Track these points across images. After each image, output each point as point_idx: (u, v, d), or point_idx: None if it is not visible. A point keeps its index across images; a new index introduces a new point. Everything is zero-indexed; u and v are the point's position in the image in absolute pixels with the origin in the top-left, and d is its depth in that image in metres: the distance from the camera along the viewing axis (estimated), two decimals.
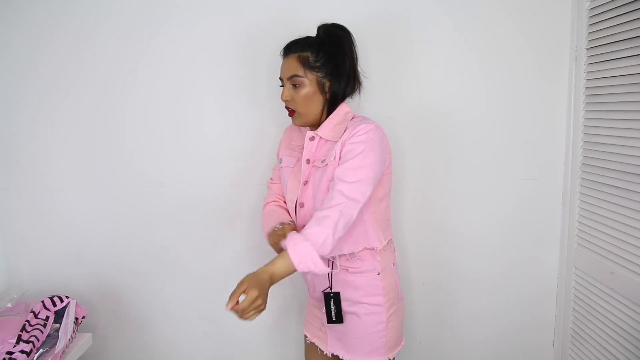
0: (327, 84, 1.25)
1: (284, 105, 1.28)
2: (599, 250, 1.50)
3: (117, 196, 1.71)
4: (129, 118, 1.67)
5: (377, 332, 1.28)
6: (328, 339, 1.36)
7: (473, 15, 1.58)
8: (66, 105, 1.66)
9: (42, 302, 1.45)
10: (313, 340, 1.41)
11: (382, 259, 1.28)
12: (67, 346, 1.42)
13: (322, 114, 1.27)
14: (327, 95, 1.26)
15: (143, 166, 1.69)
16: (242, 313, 1.10)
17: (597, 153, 1.50)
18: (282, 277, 1.12)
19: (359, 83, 1.30)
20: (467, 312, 1.77)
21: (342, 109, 1.28)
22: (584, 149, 1.56)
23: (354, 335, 1.29)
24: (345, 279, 1.28)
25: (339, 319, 1.29)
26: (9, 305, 1.49)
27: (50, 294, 1.52)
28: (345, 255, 1.27)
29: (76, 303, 1.51)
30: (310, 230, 1.10)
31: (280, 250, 1.18)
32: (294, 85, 1.24)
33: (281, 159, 1.39)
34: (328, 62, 1.23)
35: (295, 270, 1.11)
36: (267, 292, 1.11)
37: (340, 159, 1.21)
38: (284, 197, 1.41)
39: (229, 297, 1.07)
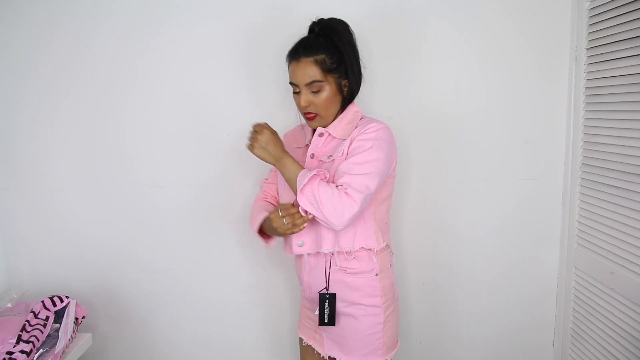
0: (344, 82, 1.25)
1: (302, 110, 1.26)
2: (599, 250, 1.50)
3: (117, 196, 1.71)
4: (129, 118, 1.67)
5: (374, 334, 1.28)
6: (324, 342, 1.35)
7: (473, 15, 1.58)
8: (66, 105, 1.66)
9: (42, 302, 1.45)
10: (310, 343, 1.41)
11: (379, 260, 1.28)
12: (67, 346, 1.42)
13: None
14: (345, 93, 1.26)
15: (143, 166, 1.69)
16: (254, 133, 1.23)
17: (597, 153, 1.50)
18: (282, 169, 1.22)
19: (362, 76, 1.30)
20: (467, 312, 1.77)
21: (352, 108, 1.29)
22: (584, 149, 1.56)
23: (352, 337, 1.29)
24: (343, 280, 1.27)
25: (331, 322, 1.28)
26: (9, 305, 1.49)
27: (50, 294, 1.52)
28: (343, 254, 1.26)
29: (76, 303, 1.51)
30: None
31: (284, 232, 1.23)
32: (314, 91, 1.22)
33: None
34: (342, 61, 1.22)
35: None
36: (267, 143, 1.22)
37: (347, 154, 1.21)
38: (274, 198, 1.42)
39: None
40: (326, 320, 1.28)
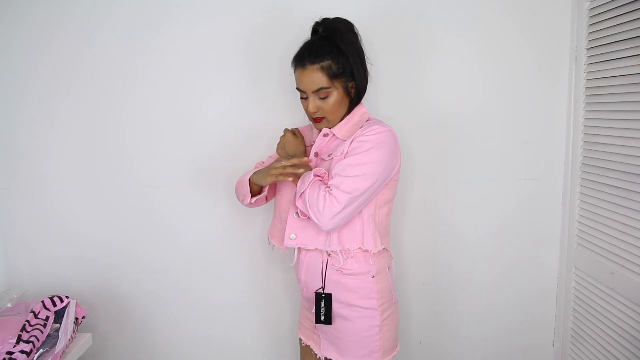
0: (351, 85, 1.25)
1: (311, 115, 1.26)
2: (599, 250, 1.50)
3: (117, 196, 1.71)
4: (129, 118, 1.67)
5: (370, 336, 1.27)
6: (321, 342, 1.35)
7: (473, 16, 1.58)
8: (66, 105, 1.66)
9: (42, 302, 1.45)
10: (308, 343, 1.41)
11: (375, 262, 1.27)
12: (67, 346, 1.42)
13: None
14: (352, 94, 1.27)
15: (143, 166, 1.69)
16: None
17: (597, 153, 1.50)
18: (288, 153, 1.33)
19: (368, 75, 1.30)
20: (467, 312, 1.77)
21: (360, 110, 1.29)
22: (584, 149, 1.56)
23: (347, 338, 1.28)
24: (339, 280, 1.27)
25: (328, 320, 1.28)
26: (9, 305, 1.49)
27: (50, 294, 1.52)
28: (338, 253, 1.26)
29: (76, 303, 1.51)
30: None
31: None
32: (321, 97, 1.22)
33: None
34: (347, 64, 1.21)
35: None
36: (286, 145, 1.36)
37: (346, 154, 1.22)
38: None
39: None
40: (322, 318, 1.28)
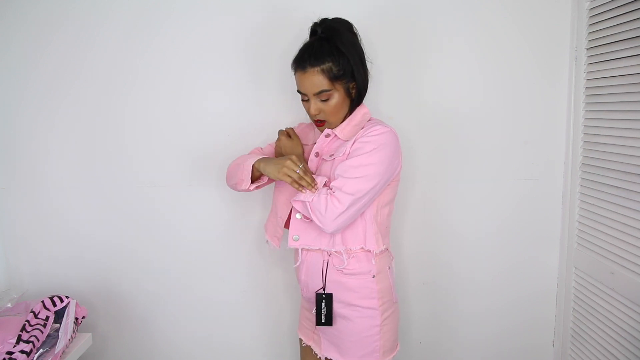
0: (352, 85, 1.25)
1: (313, 117, 1.27)
2: (599, 250, 1.50)
3: (117, 196, 1.71)
4: (129, 118, 1.67)
5: (371, 336, 1.27)
6: (321, 343, 1.35)
7: (473, 16, 1.58)
8: (66, 105, 1.66)
9: (42, 302, 1.45)
10: (309, 344, 1.41)
11: (377, 262, 1.27)
12: (67, 346, 1.42)
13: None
14: (353, 95, 1.27)
15: (143, 166, 1.69)
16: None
17: (597, 153, 1.50)
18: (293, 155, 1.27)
19: (369, 74, 1.30)
20: (467, 312, 1.77)
21: (361, 110, 1.29)
22: (584, 149, 1.56)
23: (348, 338, 1.28)
24: (340, 280, 1.27)
25: (329, 322, 1.28)
26: (9, 305, 1.49)
27: (50, 294, 1.52)
28: (340, 253, 1.26)
29: (76, 303, 1.51)
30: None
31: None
32: (323, 99, 1.22)
33: None
34: (348, 65, 1.21)
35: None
36: (282, 147, 1.37)
37: (349, 155, 1.22)
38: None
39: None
40: (323, 320, 1.28)
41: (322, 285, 1.29)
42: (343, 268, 1.26)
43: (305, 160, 1.31)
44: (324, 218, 1.17)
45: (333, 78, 1.20)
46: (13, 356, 1.27)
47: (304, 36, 1.30)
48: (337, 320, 1.29)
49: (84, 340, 1.51)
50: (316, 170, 1.29)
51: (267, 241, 1.40)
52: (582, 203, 1.59)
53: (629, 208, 1.37)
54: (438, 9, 1.58)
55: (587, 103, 1.54)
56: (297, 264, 1.33)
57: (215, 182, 1.69)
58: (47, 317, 1.43)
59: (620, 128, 1.39)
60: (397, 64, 1.61)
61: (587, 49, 1.52)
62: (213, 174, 1.69)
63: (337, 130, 1.27)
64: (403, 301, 1.71)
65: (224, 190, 1.69)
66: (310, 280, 1.31)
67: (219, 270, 1.75)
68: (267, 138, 1.64)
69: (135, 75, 1.64)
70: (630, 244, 1.36)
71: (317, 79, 1.19)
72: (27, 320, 1.37)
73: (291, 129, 1.41)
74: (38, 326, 1.38)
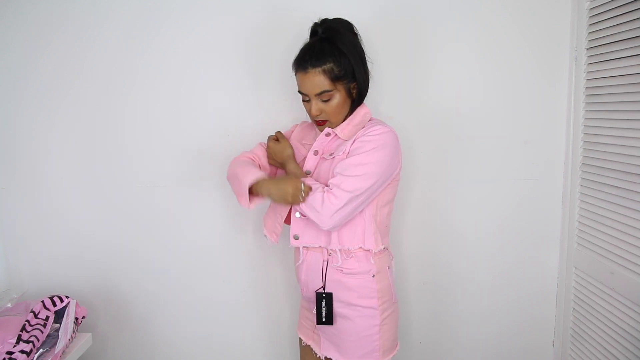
0: (353, 86, 1.25)
1: (314, 118, 1.27)
2: (599, 250, 1.50)
3: (117, 196, 1.71)
4: (129, 118, 1.67)
5: (370, 335, 1.27)
6: (321, 342, 1.35)
7: (473, 16, 1.58)
8: (66, 105, 1.66)
9: (42, 302, 1.45)
10: (308, 343, 1.41)
11: (376, 261, 1.27)
12: (67, 346, 1.42)
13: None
14: (354, 95, 1.27)
15: (143, 166, 1.69)
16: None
17: (597, 153, 1.50)
18: (286, 170, 1.34)
19: (370, 74, 1.30)
20: (467, 312, 1.77)
21: (362, 110, 1.29)
22: (584, 149, 1.56)
23: (347, 338, 1.28)
24: (340, 280, 1.27)
25: (329, 321, 1.28)
26: (9, 305, 1.49)
27: (50, 294, 1.52)
28: (340, 252, 1.26)
29: (76, 303, 1.51)
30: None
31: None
32: (324, 100, 1.22)
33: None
34: (349, 65, 1.21)
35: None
36: (273, 154, 1.38)
37: (349, 154, 1.22)
38: (261, 163, 1.41)
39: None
40: (324, 319, 1.28)
41: (322, 285, 1.29)
42: (342, 267, 1.26)
43: (296, 163, 1.34)
44: (320, 215, 1.17)
45: (334, 78, 1.20)
46: (13, 356, 1.27)
47: (304, 36, 1.30)
48: (336, 320, 1.29)
49: (84, 340, 1.51)
50: (315, 168, 1.29)
51: (265, 235, 1.40)
52: (582, 203, 1.59)
53: (629, 208, 1.37)
54: (438, 9, 1.58)
55: (587, 103, 1.54)
56: (299, 262, 1.33)
57: (215, 182, 1.69)
58: (47, 317, 1.43)
59: (620, 128, 1.39)
60: (397, 64, 1.60)
61: (587, 49, 1.52)
62: (213, 174, 1.69)
63: (338, 130, 1.27)
64: (403, 301, 1.71)
65: (224, 190, 1.69)
66: (310, 279, 1.31)
67: (219, 270, 1.75)
68: (266, 138, 1.64)
69: (135, 75, 1.64)
70: (630, 244, 1.36)
71: (318, 80, 1.20)
72: (27, 320, 1.37)
73: (279, 132, 1.41)
74: (38, 326, 1.38)
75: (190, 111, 1.66)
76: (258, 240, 1.72)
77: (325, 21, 1.25)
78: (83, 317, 1.54)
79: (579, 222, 1.61)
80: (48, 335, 1.39)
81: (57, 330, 1.42)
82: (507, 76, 1.62)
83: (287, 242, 1.32)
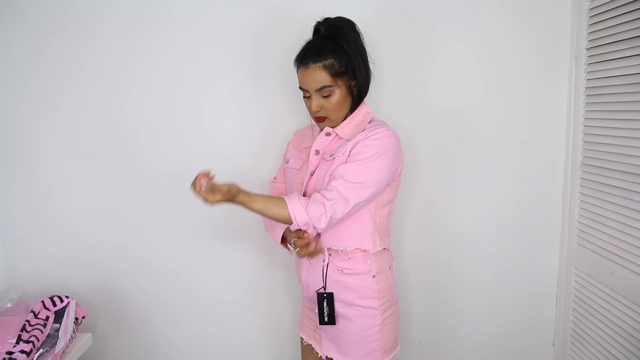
0: (353, 83, 1.25)
1: (313, 115, 1.27)
2: (599, 250, 1.50)
3: (117, 196, 1.71)
4: (129, 118, 1.67)
5: (371, 336, 1.27)
6: (322, 342, 1.35)
7: (473, 16, 1.58)
8: (66, 105, 1.66)
9: (42, 302, 1.45)
10: (310, 342, 1.41)
11: (375, 262, 1.27)
12: (67, 346, 1.42)
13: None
14: (354, 93, 1.27)
15: (143, 167, 1.69)
16: (197, 191, 1.14)
17: (597, 153, 1.50)
18: (249, 210, 1.21)
19: (371, 74, 1.30)
20: (467, 312, 1.77)
21: (363, 109, 1.29)
22: (584, 149, 1.56)
23: (348, 338, 1.28)
24: (340, 280, 1.27)
25: (331, 321, 1.28)
26: (9, 305, 1.49)
27: (50, 294, 1.52)
28: (338, 253, 1.26)
29: (76, 303, 1.51)
30: (309, 206, 1.18)
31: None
32: (324, 95, 1.22)
33: (288, 160, 1.39)
34: (350, 62, 1.21)
35: (263, 216, 1.21)
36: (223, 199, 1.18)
37: (349, 156, 1.21)
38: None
39: (209, 178, 1.15)
40: (326, 319, 1.28)
41: (322, 285, 1.29)
42: (342, 267, 1.26)
43: (244, 192, 1.22)
44: (322, 228, 1.19)
45: (335, 74, 1.20)
46: (13, 356, 1.27)
47: (305, 37, 1.30)
48: (337, 320, 1.29)
49: (84, 340, 1.51)
50: (315, 168, 1.29)
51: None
52: (582, 203, 1.59)
53: (629, 208, 1.37)
54: (438, 9, 1.58)
55: (587, 103, 1.54)
56: (300, 263, 1.33)
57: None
58: (47, 317, 1.43)
59: (620, 128, 1.39)
60: (397, 63, 1.60)
61: (587, 49, 1.52)
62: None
63: (339, 129, 1.27)
64: (403, 301, 1.70)
65: None
66: (311, 279, 1.31)
67: (219, 270, 1.75)
68: (267, 138, 1.65)
69: (135, 75, 1.64)
70: (630, 244, 1.36)
71: (319, 75, 1.20)
72: (27, 320, 1.37)
73: (204, 178, 1.16)
74: (38, 326, 1.38)
75: (190, 111, 1.66)
76: (258, 239, 1.72)
77: (328, 20, 1.25)
78: (83, 317, 1.54)
79: (579, 222, 1.61)
80: (48, 335, 1.39)
81: (57, 330, 1.42)
82: (507, 76, 1.62)
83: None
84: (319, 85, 1.21)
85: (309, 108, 1.26)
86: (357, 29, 1.27)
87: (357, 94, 1.27)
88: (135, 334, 1.81)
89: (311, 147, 1.33)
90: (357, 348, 1.28)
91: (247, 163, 1.67)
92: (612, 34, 1.39)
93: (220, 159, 1.67)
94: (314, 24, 1.28)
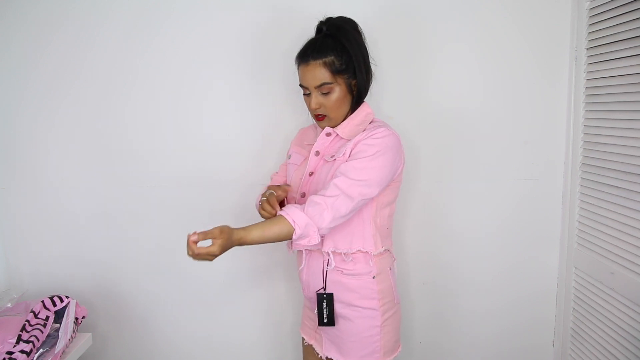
0: (353, 83, 1.25)
1: (313, 112, 1.26)
2: (599, 250, 1.50)
3: (118, 196, 1.71)
4: (129, 118, 1.67)
5: (371, 336, 1.27)
6: (323, 342, 1.35)
7: (473, 16, 1.58)
8: (66, 105, 1.66)
9: (42, 302, 1.45)
10: (311, 343, 1.41)
11: (376, 263, 1.27)
12: (67, 346, 1.42)
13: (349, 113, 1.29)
14: (354, 93, 1.26)
15: (143, 166, 1.69)
16: (194, 255, 1.11)
17: (597, 153, 1.50)
18: (251, 244, 1.19)
19: (372, 73, 1.30)
20: (467, 312, 1.77)
21: (364, 110, 1.29)
22: (584, 149, 1.56)
23: (348, 338, 1.28)
24: (340, 281, 1.27)
25: (331, 322, 1.28)
26: (9, 305, 1.49)
27: (50, 294, 1.52)
28: (340, 254, 1.26)
29: (76, 303, 1.51)
30: (306, 207, 1.16)
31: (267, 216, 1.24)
32: (324, 93, 1.22)
33: (290, 155, 1.40)
34: (350, 61, 1.21)
35: (266, 242, 1.17)
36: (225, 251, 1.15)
37: (349, 156, 1.21)
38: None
39: (197, 232, 1.11)
40: (325, 320, 1.28)
41: (322, 285, 1.28)
42: (342, 268, 1.26)
43: (238, 230, 1.21)
44: (325, 229, 1.17)
45: (335, 72, 1.20)
46: (13, 356, 1.27)
47: (305, 37, 1.29)
48: (338, 321, 1.29)
49: (84, 340, 1.51)
50: (315, 169, 1.29)
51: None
52: (582, 203, 1.59)
53: (629, 208, 1.37)
54: (439, 9, 1.58)
55: (587, 103, 1.54)
56: (302, 266, 1.33)
57: (215, 182, 1.69)
58: (47, 317, 1.43)
59: (620, 128, 1.39)
60: (397, 63, 1.60)
61: (587, 49, 1.52)
62: (213, 174, 1.69)
63: (339, 129, 1.27)
64: (404, 301, 1.70)
65: (224, 190, 1.69)
66: (312, 280, 1.31)
67: (220, 270, 1.75)
68: (267, 138, 1.65)
69: (135, 75, 1.64)
70: (630, 244, 1.36)
71: (319, 72, 1.20)
72: (27, 320, 1.37)
73: (196, 237, 1.14)
74: (38, 326, 1.38)
75: (190, 111, 1.66)
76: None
77: (330, 19, 1.25)
78: (83, 317, 1.54)
79: (579, 222, 1.61)
80: (48, 335, 1.39)
81: (57, 330, 1.42)
82: (507, 76, 1.62)
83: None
84: (318, 82, 1.21)
85: (309, 106, 1.26)
86: (360, 29, 1.27)
87: (357, 93, 1.27)
88: (135, 334, 1.81)
89: (312, 143, 1.33)
90: (357, 349, 1.28)
91: (247, 163, 1.67)
92: (612, 34, 1.39)
93: (220, 159, 1.67)
94: (314, 23, 1.28)
